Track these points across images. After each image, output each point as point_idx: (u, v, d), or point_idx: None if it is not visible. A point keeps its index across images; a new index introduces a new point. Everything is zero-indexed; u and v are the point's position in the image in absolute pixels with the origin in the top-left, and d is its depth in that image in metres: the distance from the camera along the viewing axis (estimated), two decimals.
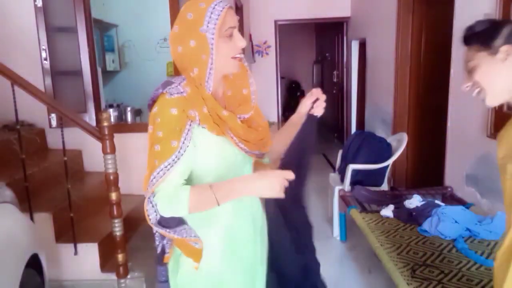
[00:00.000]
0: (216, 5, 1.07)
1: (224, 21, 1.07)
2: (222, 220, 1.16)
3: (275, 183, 1.02)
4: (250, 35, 6.04)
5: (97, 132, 2.38)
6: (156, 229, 1.14)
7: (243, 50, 1.15)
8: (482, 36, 1.08)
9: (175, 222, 1.14)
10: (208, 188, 1.04)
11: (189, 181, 1.12)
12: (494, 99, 1.10)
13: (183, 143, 1.06)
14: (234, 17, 1.11)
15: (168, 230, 1.13)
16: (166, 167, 1.05)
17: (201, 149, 1.10)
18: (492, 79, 1.08)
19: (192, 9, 1.08)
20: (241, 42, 1.11)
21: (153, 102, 1.13)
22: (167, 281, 1.24)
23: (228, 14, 1.08)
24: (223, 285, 1.18)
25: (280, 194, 1.03)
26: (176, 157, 1.05)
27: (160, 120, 1.07)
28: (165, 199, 1.06)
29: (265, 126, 1.24)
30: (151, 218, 1.10)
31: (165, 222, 1.12)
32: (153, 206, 1.09)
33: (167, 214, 1.08)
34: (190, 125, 1.08)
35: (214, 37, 1.06)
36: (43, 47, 3.21)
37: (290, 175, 1.03)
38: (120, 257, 2.42)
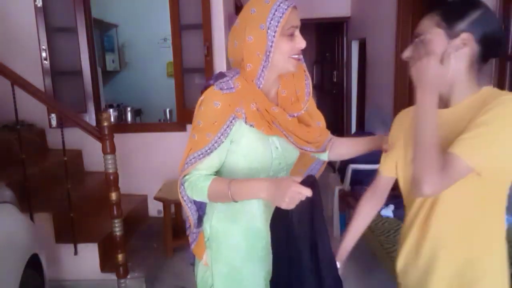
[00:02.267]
0: (281, 3, 1.06)
1: (288, 19, 1.07)
2: (244, 220, 1.19)
3: (287, 193, 0.95)
4: None
5: (97, 132, 2.38)
6: (185, 205, 1.21)
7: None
8: (449, 11, 0.96)
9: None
10: (226, 183, 1.06)
11: (219, 173, 1.17)
12: None
13: (219, 137, 1.08)
14: (297, 17, 1.11)
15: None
16: (198, 156, 1.10)
17: (239, 147, 1.12)
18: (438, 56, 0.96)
19: (256, 5, 1.09)
20: (302, 43, 1.10)
21: (204, 90, 1.15)
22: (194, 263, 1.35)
23: (292, 13, 1.08)
24: (242, 284, 1.21)
25: (290, 206, 0.96)
26: (209, 149, 1.09)
27: (203, 109, 1.10)
28: (190, 184, 1.12)
29: (316, 127, 1.27)
30: (184, 198, 1.18)
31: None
32: (184, 189, 1.16)
33: (192, 197, 1.14)
34: (232, 122, 1.09)
35: (276, 35, 1.06)
36: (43, 47, 3.21)
37: (306, 191, 0.95)
38: (120, 257, 2.42)
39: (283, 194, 0.95)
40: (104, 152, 2.32)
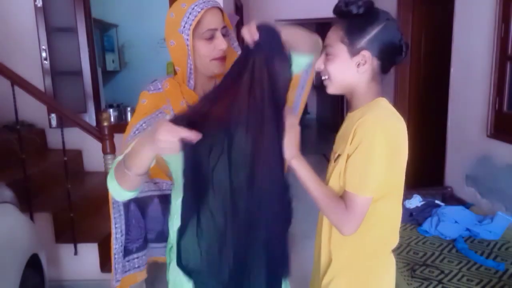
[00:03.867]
0: (196, 5, 1.04)
1: (202, 22, 1.04)
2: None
3: (157, 136, 0.82)
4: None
5: (97, 132, 2.38)
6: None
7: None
8: (352, 26, 1.01)
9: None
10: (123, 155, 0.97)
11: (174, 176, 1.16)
12: (334, 90, 1.09)
13: (141, 125, 1.09)
14: (216, 19, 1.07)
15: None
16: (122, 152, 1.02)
17: None
18: (342, 76, 1.05)
19: (175, 9, 1.09)
20: (222, 45, 1.07)
21: None
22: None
23: (209, 15, 1.05)
24: None
25: (171, 151, 0.84)
26: (129, 137, 1.07)
27: (135, 109, 1.14)
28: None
29: None
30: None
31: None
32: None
33: (110, 189, 1.02)
34: (158, 115, 1.10)
35: (189, 38, 1.05)
36: (43, 47, 3.21)
37: (184, 132, 0.81)
38: None
39: (154, 139, 0.82)
40: (104, 152, 2.32)
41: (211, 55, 1.08)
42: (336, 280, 1.11)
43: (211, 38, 1.07)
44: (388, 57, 1.04)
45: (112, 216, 1.16)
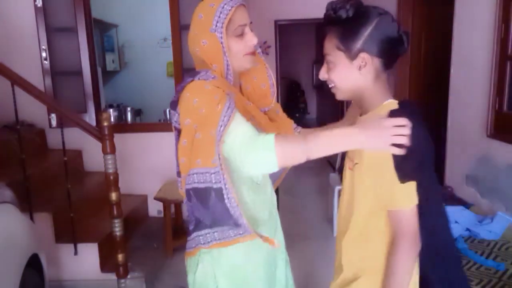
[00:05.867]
0: (225, 4, 1.08)
1: (233, 19, 1.08)
2: (243, 212, 1.14)
3: (384, 132, 0.87)
4: None
5: (97, 132, 2.38)
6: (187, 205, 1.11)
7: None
8: (344, 32, 1.00)
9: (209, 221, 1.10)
10: (299, 136, 0.97)
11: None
12: (343, 96, 1.07)
13: (228, 107, 1.02)
14: (244, 15, 1.12)
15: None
16: (220, 128, 0.99)
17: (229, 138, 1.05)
18: (346, 82, 1.04)
19: (202, 10, 1.11)
20: (253, 40, 1.12)
21: (177, 93, 1.12)
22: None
23: (238, 12, 1.10)
24: (246, 280, 1.18)
25: (388, 146, 0.89)
26: (226, 113, 1.00)
27: (197, 100, 1.04)
28: (241, 145, 0.98)
29: (281, 122, 1.27)
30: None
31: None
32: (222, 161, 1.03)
33: (251, 159, 0.98)
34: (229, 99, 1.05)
35: (223, 36, 1.08)
36: (43, 47, 3.21)
37: (402, 121, 0.87)
38: (120, 257, 2.42)
39: (379, 134, 0.87)
40: (104, 152, 2.32)
41: (243, 51, 1.12)
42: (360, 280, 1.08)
43: (241, 34, 1.11)
44: (388, 52, 1.01)
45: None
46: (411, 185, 0.94)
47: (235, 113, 1.02)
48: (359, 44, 0.99)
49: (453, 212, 2.29)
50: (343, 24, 1.00)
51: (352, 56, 1.00)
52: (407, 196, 0.95)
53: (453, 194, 2.86)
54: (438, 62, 3.33)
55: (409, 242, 0.95)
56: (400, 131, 0.88)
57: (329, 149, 0.94)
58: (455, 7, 2.82)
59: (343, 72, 1.02)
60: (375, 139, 0.89)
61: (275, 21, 6.24)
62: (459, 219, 2.24)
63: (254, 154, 0.97)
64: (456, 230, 2.19)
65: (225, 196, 1.03)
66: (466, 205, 2.56)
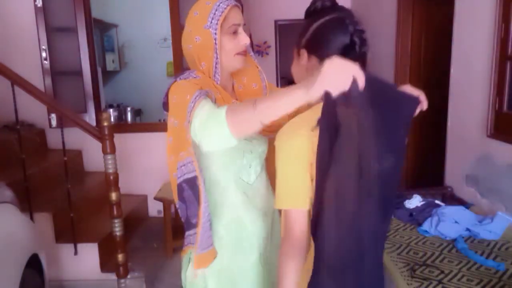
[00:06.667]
0: (221, 3, 1.10)
1: (227, 18, 1.10)
2: (230, 213, 1.17)
3: (323, 77, 0.75)
4: (250, 35, 6.04)
5: (97, 132, 2.38)
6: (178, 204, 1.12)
7: (252, 48, 1.17)
8: (301, 29, 0.98)
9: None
10: (250, 101, 0.89)
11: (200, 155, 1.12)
12: None
13: (196, 96, 1.01)
14: (238, 15, 1.15)
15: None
16: (188, 112, 1.00)
17: None
18: (296, 78, 1.02)
19: (198, 8, 1.13)
20: (245, 39, 1.14)
21: (166, 95, 1.15)
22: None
23: (233, 12, 1.12)
24: (234, 281, 1.18)
25: (345, 87, 0.75)
26: (196, 96, 1.01)
27: (176, 97, 1.08)
28: (201, 121, 0.97)
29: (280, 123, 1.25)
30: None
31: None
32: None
33: (206, 137, 0.97)
34: (208, 92, 1.06)
35: (217, 33, 1.09)
36: (43, 47, 3.21)
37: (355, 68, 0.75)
38: (120, 257, 2.42)
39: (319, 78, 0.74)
40: (104, 152, 2.32)
41: (235, 50, 1.13)
42: None
43: (234, 33, 1.13)
44: (330, 55, 0.80)
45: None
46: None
47: (202, 100, 1.01)
48: (303, 40, 0.97)
49: (453, 212, 2.29)
50: (307, 19, 0.99)
51: (298, 52, 1.00)
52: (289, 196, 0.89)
53: (453, 194, 2.86)
54: (438, 62, 3.33)
55: (290, 246, 0.88)
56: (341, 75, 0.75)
57: (277, 109, 0.85)
58: (455, 7, 2.82)
59: (293, 67, 1.03)
60: (316, 85, 0.76)
61: (275, 21, 6.25)
62: (459, 219, 2.24)
63: (208, 130, 0.96)
64: (456, 230, 2.20)
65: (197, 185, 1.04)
66: (466, 205, 2.56)
